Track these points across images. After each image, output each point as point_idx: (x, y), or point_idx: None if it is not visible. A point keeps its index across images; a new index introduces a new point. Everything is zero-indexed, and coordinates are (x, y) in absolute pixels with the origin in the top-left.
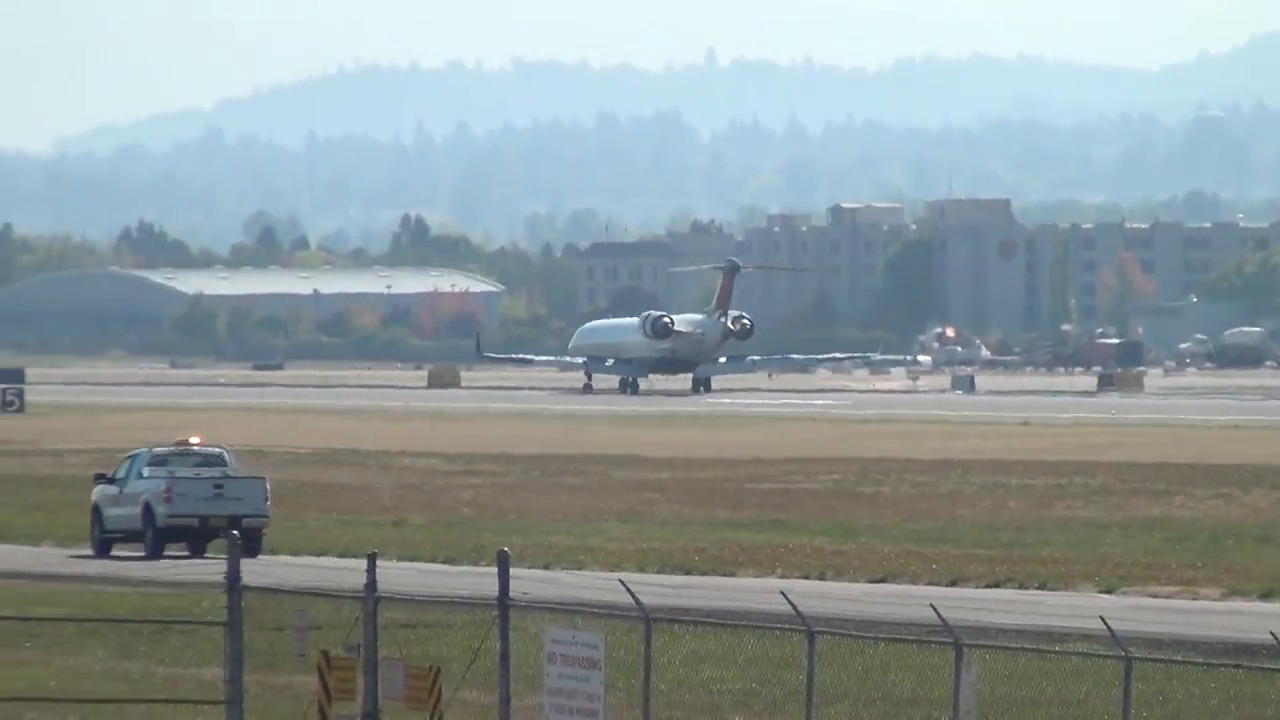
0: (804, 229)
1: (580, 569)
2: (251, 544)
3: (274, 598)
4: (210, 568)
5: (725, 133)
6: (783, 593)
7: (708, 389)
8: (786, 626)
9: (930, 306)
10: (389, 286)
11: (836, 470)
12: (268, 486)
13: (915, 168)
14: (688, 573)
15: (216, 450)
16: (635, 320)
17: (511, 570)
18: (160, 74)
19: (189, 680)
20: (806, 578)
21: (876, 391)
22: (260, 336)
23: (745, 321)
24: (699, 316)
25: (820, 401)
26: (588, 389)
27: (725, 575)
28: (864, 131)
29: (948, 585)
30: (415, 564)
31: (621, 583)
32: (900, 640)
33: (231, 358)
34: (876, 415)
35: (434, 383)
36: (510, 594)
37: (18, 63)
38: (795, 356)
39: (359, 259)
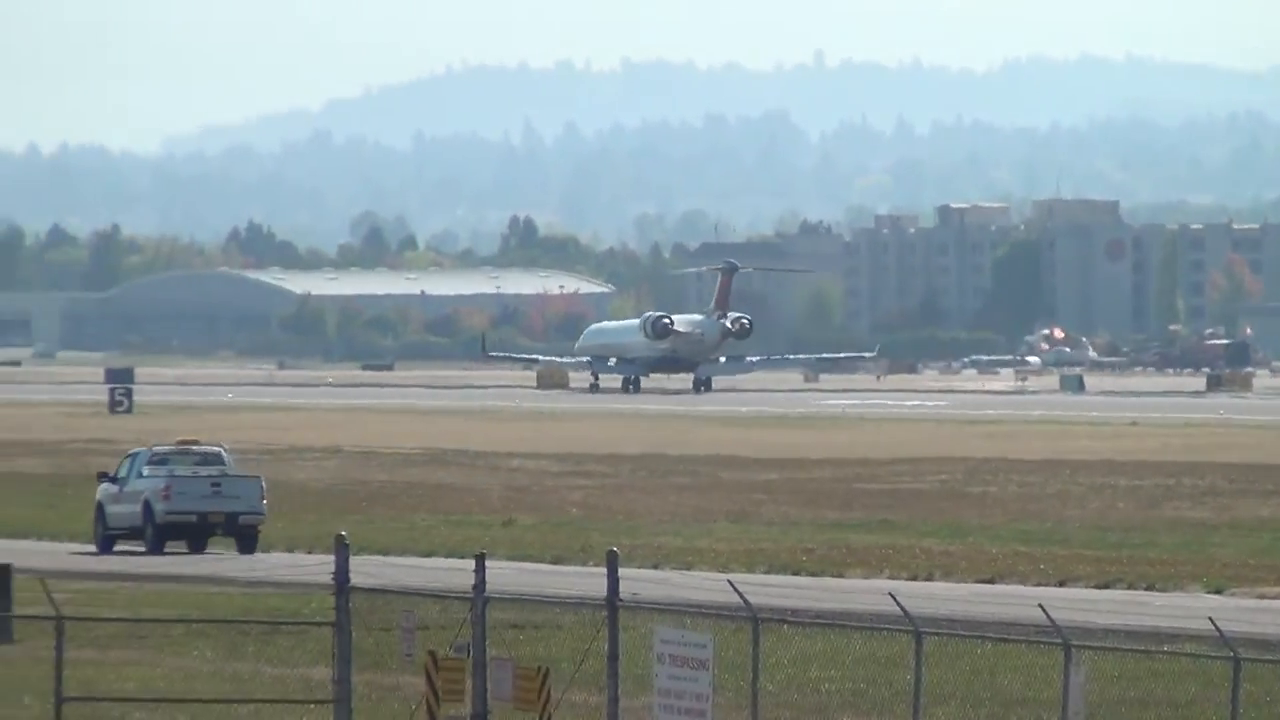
0: (911, 230)
1: (689, 569)
2: (247, 540)
3: (382, 598)
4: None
5: (833, 133)
6: (890, 594)
7: (708, 388)
8: (894, 627)
9: (1038, 307)
10: (498, 287)
11: (945, 471)
12: (263, 485)
13: (1023, 168)
14: (795, 573)
15: (214, 449)
16: (637, 321)
17: (620, 570)
18: (269, 75)
19: (297, 680)
20: (914, 579)
21: (985, 392)
22: (369, 337)
23: (744, 322)
24: (698, 317)
25: (931, 403)
26: (594, 388)
27: (833, 576)
28: (972, 132)
29: (1056, 586)
30: (524, 564)
31: (730, 583)
32: (1008, 641)
33: (340, 358)
34: (984, 416)
35: (543, 383)
36: (619, 594)
37: (128, 64)
38: (794, 357)
39: (467, 260)
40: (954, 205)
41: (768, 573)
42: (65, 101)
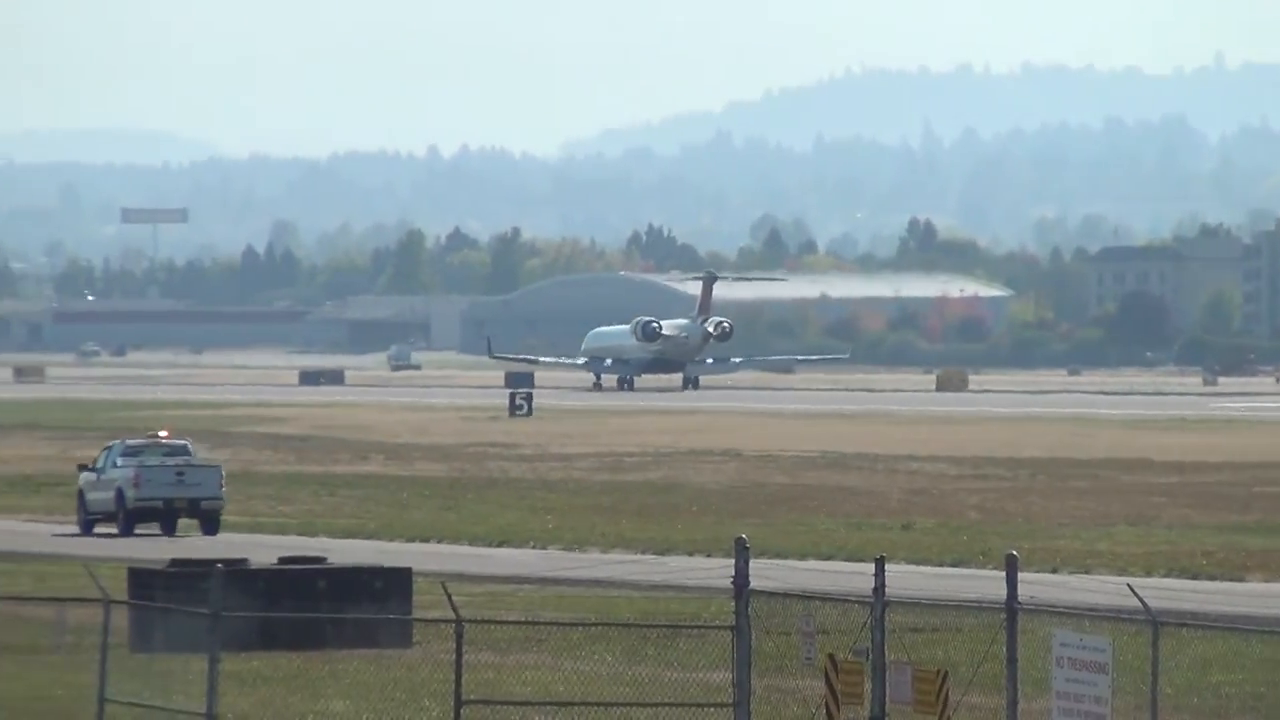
0: None
1: (1087, 573)
2: (210, 524)
3: (781, 602)
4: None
5: (1234, 136)
6: None
7: (696, 386)
8: None
9: None
10: (896, 290)
11: None
12: (223, 473)
13: None
14: (1194, 577)
15: (181, 442)
16: (629, 326)
17: (1019, 574)
18: (670, 77)
19: (696, 684)
20: None
21: None
22: (768, 340)
23: (725, 325)
24: (684, 321)
25: None
26: (597, 387)
27: (1233, 580)
28: None
29: None
30: (923, 567)
31: (1129, 587)
32: None
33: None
34: None
35: (943, 386)
36: (1018, 598)
37: (530, 68)
38: (773, 358)
39: (866, 263)
40: None
41: (1166, 576)
42: (466, 105)
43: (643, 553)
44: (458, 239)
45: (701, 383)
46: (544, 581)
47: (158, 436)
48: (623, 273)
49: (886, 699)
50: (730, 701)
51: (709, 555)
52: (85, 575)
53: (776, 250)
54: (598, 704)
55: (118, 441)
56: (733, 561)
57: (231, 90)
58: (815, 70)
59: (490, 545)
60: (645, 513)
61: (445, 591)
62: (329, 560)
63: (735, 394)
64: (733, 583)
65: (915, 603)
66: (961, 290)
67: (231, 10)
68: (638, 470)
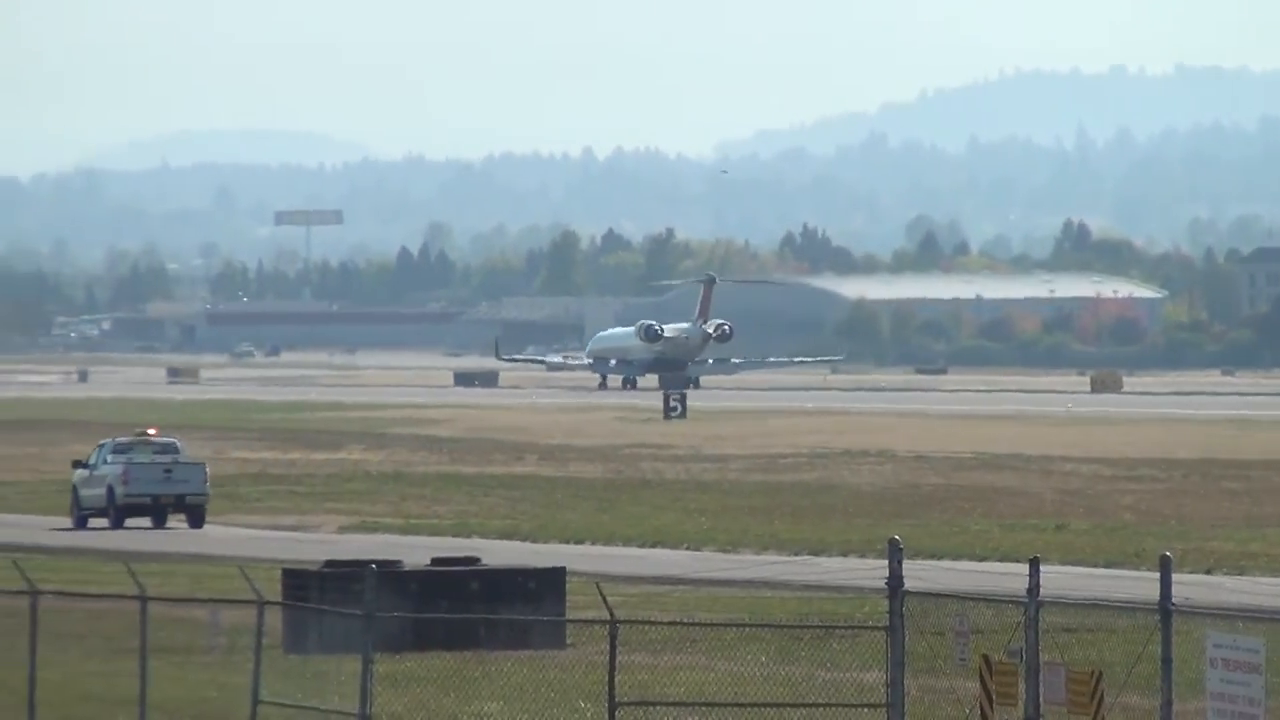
0: None
1: (1241, 574)
2: (195, 518)
3: (935, 602)
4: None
5: None
6: None
7: (697, 386)
8: None
9: None
10: (1051, 291)
11: None
12: (207, 470)
13: None
14: None
15: (169, 440)
16: (633, 328)
17: (1173, 575)
18: (824, 79)
19: (849, 684)
20: None
21: None
22: (922, 341)
23: (725, 327)
24: (685, 324)
25: None
26: (602, 387)
27: None
28: None
29: None
30: (1077, 568)
31: None
32: None
33: (893, 362)
34: None
35: (1097, 388)
36: (1172, 598)
37: (683, 69)
38: (772, 359)
39: (1020, 264)
40: None
41: None
42: (621, 106)
43: (796, 553)
44: (612, 240)
45: (702, 382)
46: (698, 582)
47: (147, 434)
48: (777, 274)
49: (1040, 700)
50: (884, 702)
51: (863, 556)
52: (239, 576)
53: (930, 252)
54: (751, 704)
55: (109, 440)
56: (886, 562)
57: (386, 92)
58: (969, 72)
59: (644, 546)
60: (799, 514)
61: (599, 592)
62: (483, 561)
63: (886, 395)
64: (886, 583)
65: (1069, 603)
66: (1115, 291)
67: (386, 12)
68: (791, 471)
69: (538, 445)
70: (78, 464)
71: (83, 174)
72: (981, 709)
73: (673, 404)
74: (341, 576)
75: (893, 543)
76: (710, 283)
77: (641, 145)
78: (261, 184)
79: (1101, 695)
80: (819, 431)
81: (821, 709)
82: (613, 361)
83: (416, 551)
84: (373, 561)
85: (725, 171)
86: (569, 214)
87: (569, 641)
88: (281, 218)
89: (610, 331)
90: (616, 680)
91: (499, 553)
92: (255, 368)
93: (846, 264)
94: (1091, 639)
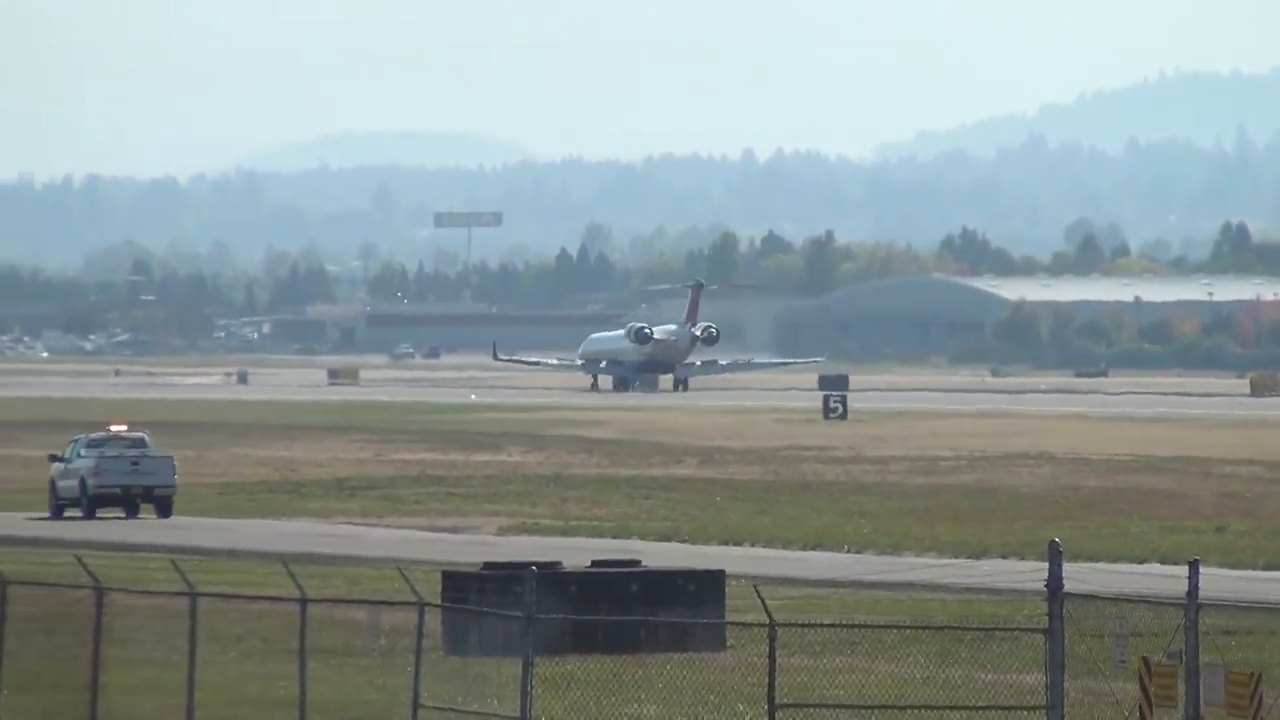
0: None
1: None
2: (163, 509)
3: (1094, 604)
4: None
5: None
6: None
7: (685, 387)
8: None
9: None
10: (1210, 294)
11: None
12: (175, 463)
13: None
14: None
15: (139, 435)
16: (624, 331)
17: None
18: (984, 80)
19: (1009, 686)
20: None
21: None
22: (1082, 343)
23: (712, 330)
24: (673, 326)
25: None
26: (594, 388)
27: None
28: None
29: None
30: (1237, 571)
31: None
32: None
33: (1052, 365)
34: None
35: (1257, 390)
36: None
37: (843, 72)
38: (758, 360)
39: (1180, 266)
40: None
41: None
42: (781, 108)
43: (956, 556)
44: (771, 242)
45: (690, 384)
46: (857, 585)
47: (118, 430)
48: (936, 275)
49: (1200, 702)
50: (1043, 704)
51: (1022, 558)
52: (398, 578)
53: (1090, 254)
54: (911, 706)
55: (82, 435)
56: (1046, 564)
57: (544, 94)
58: (1128, 73)
59: (804, 549)
60: (959, 516)
61: (758, 595)
62: (643, 563)
63: (1046, 397)
64: (1046, 585)
65: (1229, 606)
66: (1276, 294)
67: (545, 14)
68: (951, 473)
69: (697, 447)
70: (54, 458)
71: (242, 175)
72: (1141, 711)
73: (833, 405)
74: (501, 578)
75: (1052, 545)
76: (698, 287)
77: (802, 147)
78: (421, 185)
79: (1261, 697)
80: (979, 434)
81: (981, 711)
82: (603, 363)
83: (576, 553)
84: (532, 563)
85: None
86: (728, 216)
87: (729, 644)
88: (441, 219)
89: (601, 334)
90: (776, 682)
91: (659, 555)
92: (415, 369)
93: (1006, 266)
94: (1251, 641)
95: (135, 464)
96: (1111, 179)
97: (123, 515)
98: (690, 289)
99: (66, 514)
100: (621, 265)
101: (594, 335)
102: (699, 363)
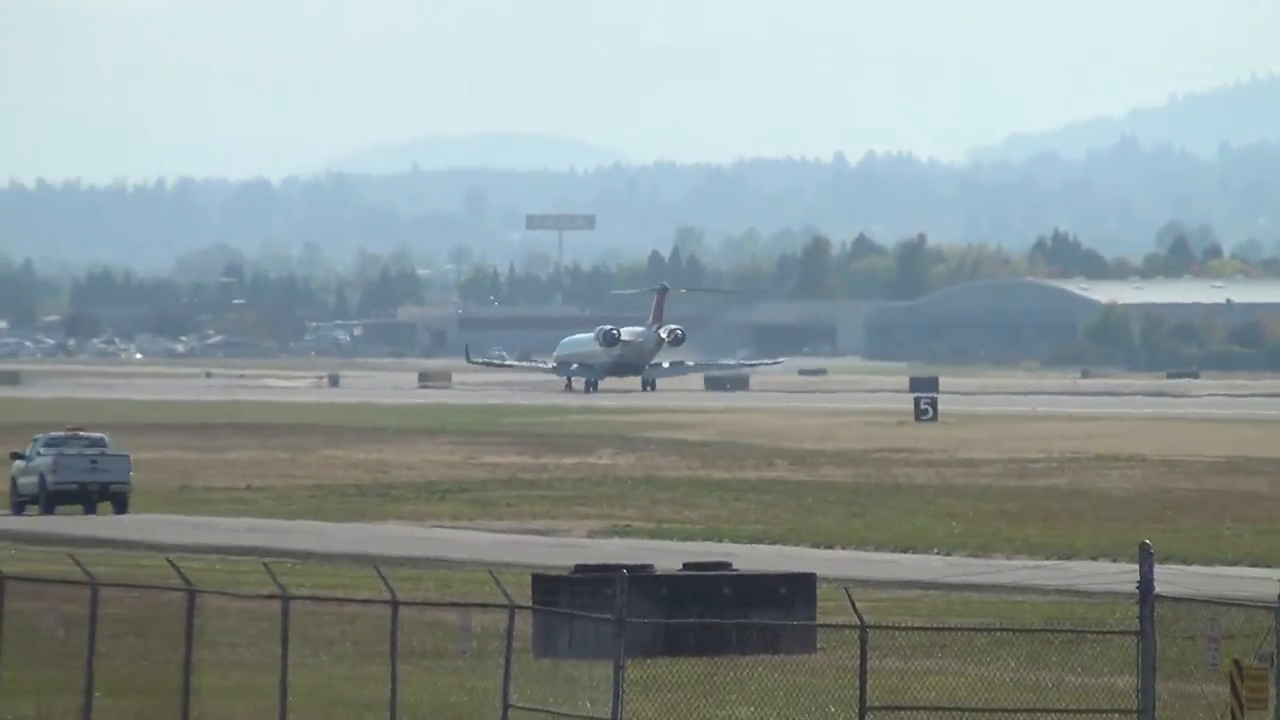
0: None
1: None
2: (120, 504)
3: (1186, 607)
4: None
5: None
6: None
7: (654, 388)
8: None
9: None
10: None
11: None
12: (130, 460)
13: None
14: None
15: (98, 435)
16: (593, 334)
17: None
18: (1075, 83)
19: (1100, 689)
20: None
21: None
22: (1173, 346)
23: (677, 332)
24: (640, 329)
25: None
26: (568, 388)
27: None
28: None
29: None
30: None
31: None
32: None
33: (1143, 367)
34: None
35: None
36: None
37: (934, 74)
38: (722, 362)
39: (1271, 268)
40: None
41: None
42: (872, 110)
43: (1047, 558)
44: (863, 245)
45: (659, 385)
46: (948, 587)
47: (77, 430)
48: (1028, 278)
49: None
50: (1135, 707)
51: (1113, 560)
52: (489, 581)
53: (1181, 256)
54: (1001, 709)
55: (42, 434)
56: (1137, 567)
57: (636, 95)
58: (1219, 76)
59: (895, 551)
60: (1050, 518)
61: (849, 597)
62: (734, 566)
63: (1137, 399)
64: (1137, 588)
65: None
66: None
67: (636, 16)
68: (1043, 476)
69: (788, 449)
70: (15, 455)
71: (333, 178)
72: (1232, 714)
73: (924, 408)
74: (592, 581)
75: (1143, 547)
76: (663, 291)
77: (893, 149)
78: (512, 188)
79: None
80: (1070, 436)
81: (1072, 714)
82: (575, 365)
83: (667, 556)
84: (623, 566)
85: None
86: (820, 218)
87: (819, 646)
88: (533, 222)
89: (573, 337)
90: (867, 685)
91: (750, 558)
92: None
93: (1097, 268)
94: None
95: (93, 462)
96: (1203, 181)
97: (81, 511)
98: (655, 292)
99: (26, 510)
100: (713, 268)
101: (567, 339)
102: (667, 364)
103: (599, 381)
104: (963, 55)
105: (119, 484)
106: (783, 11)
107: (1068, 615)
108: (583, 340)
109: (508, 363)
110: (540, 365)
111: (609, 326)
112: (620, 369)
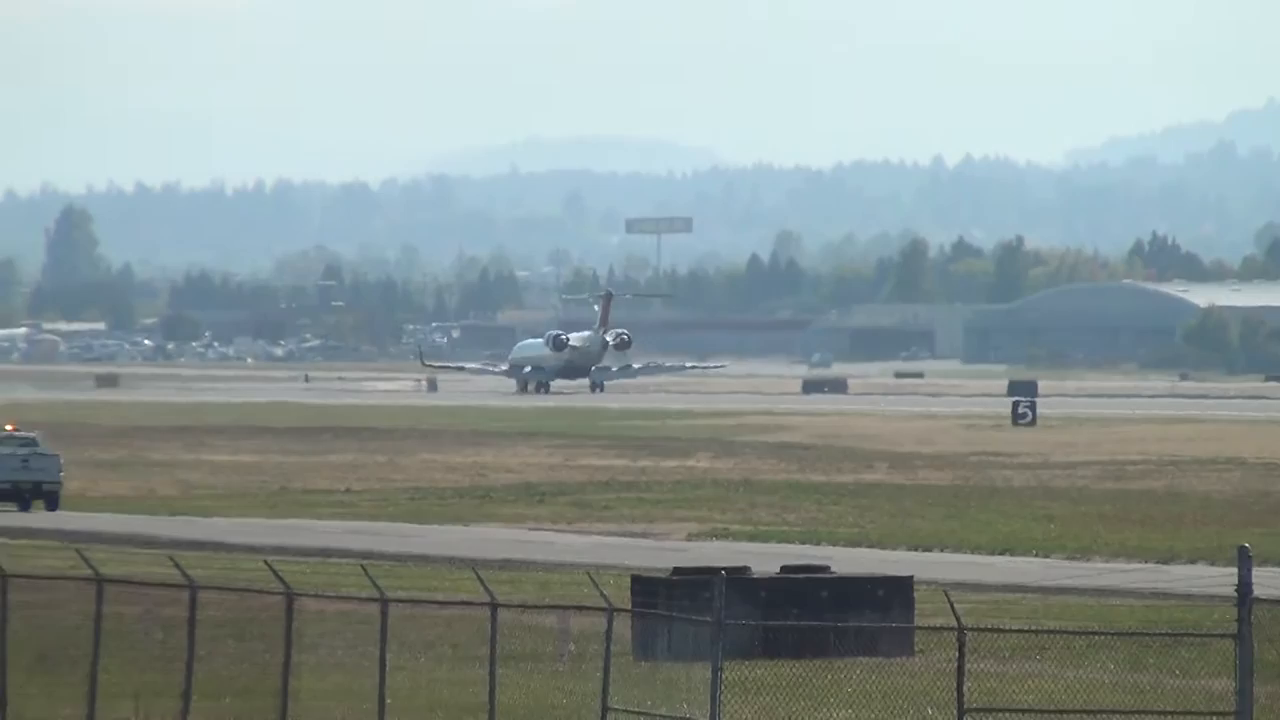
0: None
1: None
2: (51, 501)
3: None
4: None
5: None
6: None
7: (602, 389)
8: None
9: None
10: None
11: None
12: (61, 461)
13: None
14: None
15: (31, 435)
16: (543, 339)
17: None
18: (1173, 87)
19: (1198, 692)
20: None
21: None
22: (1272, 348)
23: (624, 336)
24: (588, 333)
25: None
26: (523, 390)
27: None
28: None
29: None
30: None
31: None
32: None
33: (1242, 370)
34: None
35: None
36: None
37: (1032, 78)
38: (667, 364)
39: None
40: None
41: None
42: (971, 113)
43: (1145, 561)
44: (961, 248)
45: (606, 386)
46: (1046, 590)
47: (8, 430)
48: (1126, 281)
49: None
50: (1232, 709)
51: (1212, 563)
52: (588, 583)
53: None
54: (1100, 711)
55: None
56: (1235, 570)
57: (734, 100)
58: None
59: (993, 554)
60: (1148, 521)
61: (947, 600)
62: (832, 569)
63: (1236, 402)
64: (1236, 590)
65: None
66: None
67: (735, 20)
68: (1140, 479)
69: (887, 453)
70: None
71: (432, 180)
72: None
73: (1022, 411)
74: (690, 584)
75: (1242, 550)
76: (609, 297)
77: (991, 152)
78: (611, 191)
79: None
80: (1168, 439)
81: (1171, 716)
82: (528, 368)
83: (766, 559)
84: (721, 569)
85: None
86: (918, 221)
87: (917, 649)
88: (632, 225)
89: (527, 341)
90: (965, 687)
91: (849, 560)
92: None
93: (1196, 271)
94: None
95: (25, 461)
96: None
97: (14, 508)
98: (601, 298)
99: None
100: (812, 271)
101: (520, 343)
102: (615, 367)
103: (549, 383)
104: (1061, 59)
105: (50, 483)
106: (882, 14)
107: (1166, 618)
108: (535, 344)
109: (461, 365)
110: (490, 369)
111: (557, 332)
112: (569, 372)
